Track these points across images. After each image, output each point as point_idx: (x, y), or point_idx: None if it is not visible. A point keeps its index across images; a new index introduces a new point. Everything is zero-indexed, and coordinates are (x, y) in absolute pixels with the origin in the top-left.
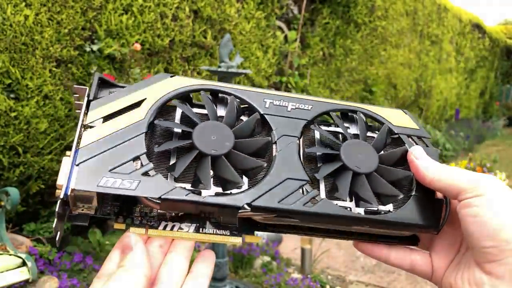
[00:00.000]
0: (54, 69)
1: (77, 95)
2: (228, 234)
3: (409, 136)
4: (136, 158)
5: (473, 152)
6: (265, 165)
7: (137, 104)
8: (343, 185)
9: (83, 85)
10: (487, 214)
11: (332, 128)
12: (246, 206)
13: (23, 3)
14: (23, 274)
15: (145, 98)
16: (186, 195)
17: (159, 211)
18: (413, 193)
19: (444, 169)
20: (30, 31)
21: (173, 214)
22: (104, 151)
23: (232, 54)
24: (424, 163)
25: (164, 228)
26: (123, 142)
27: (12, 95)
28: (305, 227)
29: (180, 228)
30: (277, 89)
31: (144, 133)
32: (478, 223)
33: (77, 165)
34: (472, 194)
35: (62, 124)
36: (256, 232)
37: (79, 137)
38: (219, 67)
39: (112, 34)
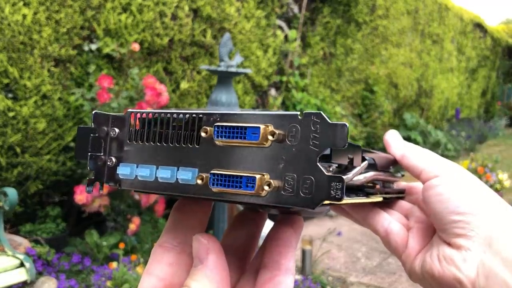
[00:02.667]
0: (52, 68)
1: None
2: (365, 195)
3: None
4: None
5: (475, 152)
6: None
7: None
8: None
9: (81, 85)
10: (450, 191)
11: None
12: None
13: (21, 2)
14: (21, 275)
15: None
16: None
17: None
18: None
19: (414, 149)
20: (29, 30)
21: None
22: None
23: (232, 54)
24: (397, 140)
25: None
26: None
27: (10, 95)
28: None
29: (357, 196)
30: (277, 88)
31: None
32: (442, 201)
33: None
34: (433, 174)
35: (61, 124)
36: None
37: None
38: (219, 66)
39: (111, 33)
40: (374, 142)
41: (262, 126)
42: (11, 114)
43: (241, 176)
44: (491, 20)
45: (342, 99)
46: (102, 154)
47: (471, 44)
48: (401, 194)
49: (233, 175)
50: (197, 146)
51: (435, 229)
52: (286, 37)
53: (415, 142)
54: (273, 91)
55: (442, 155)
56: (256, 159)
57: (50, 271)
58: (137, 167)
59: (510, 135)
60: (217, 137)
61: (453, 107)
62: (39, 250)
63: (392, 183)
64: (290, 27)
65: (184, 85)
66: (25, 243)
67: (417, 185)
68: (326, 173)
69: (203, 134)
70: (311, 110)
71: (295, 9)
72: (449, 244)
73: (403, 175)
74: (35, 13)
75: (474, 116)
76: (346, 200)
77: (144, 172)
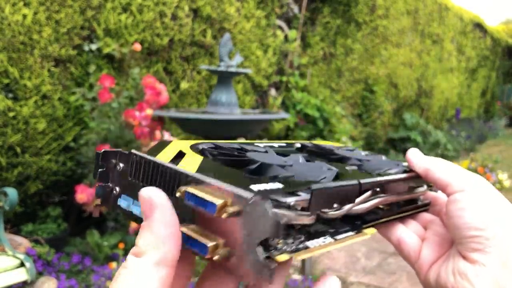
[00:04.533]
0: (52, 68)
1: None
2: (354, 233)
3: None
4: None
5: (475, 152)
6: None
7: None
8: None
9: (81, 85)
10: (472, 206)
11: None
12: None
13: (22, 2)
14: (21, 275)
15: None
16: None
17: (295, 235)
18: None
19: (439, 162)
20: (29, 30)
21: (307, 231)
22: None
23: (232, 54)
24: (419, 159)
25: (307, 247)
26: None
27: (10, 95)
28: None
29: (323, 241)
30: (277, 88)
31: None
32: (463, 216)
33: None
34: (458, 188)
35: (61, 124)
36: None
37: None
38: (219, 66)
39: (111, 33)
40: (374, 142)
41: (219, 203)
42: (11, 114)
43: (197, 240)
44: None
45: (342, 99)
46: (109, 183)
47: (471, 44)
48: (425, 206)
49: (191, 237)
50: (171, 197)
51: (451, 243)
52: (286, 37)
53: (415, 142)
54: (273, 91)
55: (442, 155)
56: (216, 226)
57: (50, 271)
58: (132, 203)
59: (510, 135)
60: (187, 200)
61: (453, 107)
62: (39, 250)
63: (414, 200)
64: (290, 27)
65: (184, 85)
66: (25, 243)
67: (443, 196)
68: (260, 259)
69: (177, 194)
70: (258, 196)
71: (295, 9)
72: (465, 258)
73: (430, 187)
74: (35, 13)
75: (474, 116)
76: (298, 255)
77: (135, 209)
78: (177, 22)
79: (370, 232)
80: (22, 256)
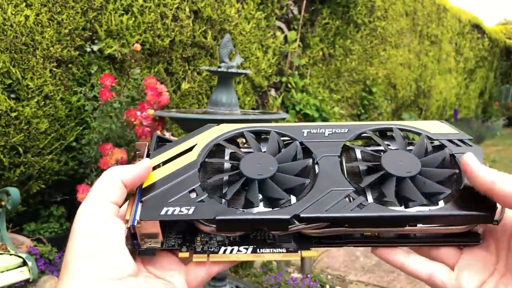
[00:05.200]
0: (54, 69)
1: (139, 151)
2: (285, 251)
3: (449, 140)
4: (192, 190)
5: None
6: (308, 181)
7: (190, 149)
8: (389, 189)
9: (83, 86)
10: None
11: (371, 148)
12: (294, 219)
13: (24, 4)
14: (23, 274)
15: (196, 144)
16: (238, 213)
17: (218, 238)
18: (463, 186)
19: (503, 175)
20: (31, 31)
21: (231, 238)
22: (163, 188)
23: (232, 55)
24: (481, 168)
25: (224, 252)
26: (180, 179)
27: (12, 95)
28: (361, 236)
29: (239, 250)
30: (277, 89)
31: (197, 170)
32: None
33: (141, 201)
34: None
35: (63, 124)
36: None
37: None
38: (219, 67)
39: (113, 34)
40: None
41: None
42: (13, 114)
43: None
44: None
45: (341, 99)
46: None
47: (469, 45)
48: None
49: None
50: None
51: (495, 264)
52: (285, 38)
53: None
54: (273, 92)
55: None
56: None
57: (52, 270)
58: None
59: (508, 135)
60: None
61: (451, 108)
62: (41, 249)
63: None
64: (289, 28)
65: (185, 85)
66: (27, 242)
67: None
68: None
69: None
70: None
71: (295, 10)
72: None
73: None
74: (37, 14)
75: (472, 116)
76: (199, 257)
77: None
78: (178, 23)
79: (310, 254)
80: (24, 255)
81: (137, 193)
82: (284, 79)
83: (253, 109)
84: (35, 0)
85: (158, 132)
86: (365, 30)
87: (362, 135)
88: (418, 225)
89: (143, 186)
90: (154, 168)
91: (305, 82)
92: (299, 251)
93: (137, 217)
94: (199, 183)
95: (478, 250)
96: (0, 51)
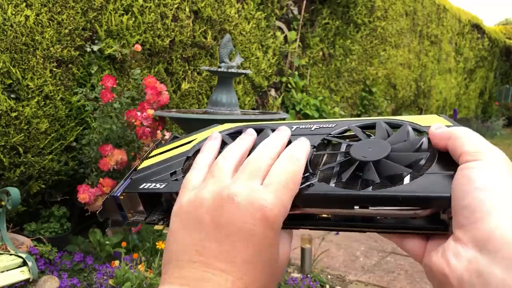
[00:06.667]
0: (54, 69)
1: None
2: None
3: None
4: (173, 172)
5: None
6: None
7: (189, 143)
8: (348, 172)
9: (83, 86)
10: (477, 175)
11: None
12: None
13: (24, 4)
14: (23, 274)
15: (196, 139)
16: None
17: None
18: (430, 168)
19: (459, 130)
20: (31, 31)
21: None
22: (153, 170)
23: (232, 55)
24: (441, 128)
25: None
26: (168, 164)
27: (12, 95)
28: (324, 218)
29: None
30: (277, 89)
31: (185, 158)
32: (464, 183)
33: (131, 179)
34: (473, 158)
35: (63, 124)
36: None
37: (139, 164)
38: (219, 67)
39: (113, 34)
40: None
41: None
42: (13, 114)
43: None
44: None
45: (341, 99)
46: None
47: (469, 45)
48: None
49: None
50: None
51: None
52: (285, 38)
53: None
54: (273, 92)
55: None
56: None
57: (52, 270)
58: None
59: (508, 135)
60: None
61: (451, 108)
62: (41, 249)
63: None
64: (289, 29)
65: (185, 85)
66: (27, 242)
67: None
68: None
69: None
70: None
71: (295, 10)
72: (453, 234)
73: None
74: (37, 15)
75: (472, 116)
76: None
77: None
78: (178, 23)
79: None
80: (24, 255)
81: (131, 171)
82: (284, 79)
83: (253, 109)
84: (35, 0)
85: (167, 133)
86: (365, 30)
87: (347, 130)
88: (370, 208)
89: (138, 168)
90: (156, 155)
91: (305, 82)
92: None
93: (121, 190)
94: (181, 167)
95: None
96: (0, 51)
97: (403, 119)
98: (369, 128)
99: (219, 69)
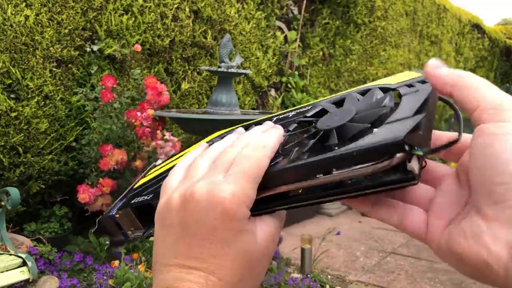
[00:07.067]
0: (54, 69)
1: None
2: None
3: (408, 85)
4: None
5: None
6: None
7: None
8: (309, 142)
9: (83, 86)
10: (505, 144)
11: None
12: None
13: (24, 4)
14: (23, 274)
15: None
16: None
17: None
18: (388, 119)
19: (468, 76)
20: (31, 31)
21: None
22: (145, 186)
23: (232, 55)
24: (439, 67)
25: None
26: (160, 177)
27: (12, 95)
28: (294, 195)
29: None
30: (277, 89)
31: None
32: (491, 155)
33: (126, 197)
34: (494, 118)
35: (63, 124)
36: None
37: (135, 184)
38: (219, 67)
39: (113, 34)
40: None
41: None
42: (13, 114)
43: None
44: (489, 20)
45: None
46: None
47: (469, 44)
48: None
49: None
50: None
51: (465, 202)
52: (285, 38)
53: None
54: (273, 92)
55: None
56: None
57: (52, 270)
58: None
59: None
60: None
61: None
62: (41, 249)
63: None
64: (289, 28)
65: (185, 85)
66: (27, 242)
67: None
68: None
69: None
70: None
71: (295, 10)
72: (481, 214)
73: (456, 141)
74: (37, 15)
75: None
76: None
77: None
78: (178, 23)
79: None
80: (24, 255)
81: (128, 190)
82: (284, 79)
83: (253, 109)
84: (35, 0)
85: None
86: (365, 30)
87: (320, 108)
88: (334, 172)
89: (134, 187)
90: (152, 173)
91: (305, 82)
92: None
93: (116, 209)
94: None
95: (451, 185)
96: (0, 51)
97: (375, 83)
98: (342, 102)
99: (219, 69)
